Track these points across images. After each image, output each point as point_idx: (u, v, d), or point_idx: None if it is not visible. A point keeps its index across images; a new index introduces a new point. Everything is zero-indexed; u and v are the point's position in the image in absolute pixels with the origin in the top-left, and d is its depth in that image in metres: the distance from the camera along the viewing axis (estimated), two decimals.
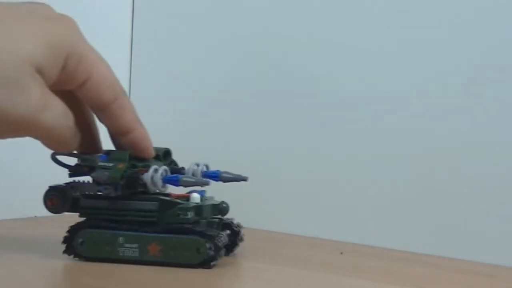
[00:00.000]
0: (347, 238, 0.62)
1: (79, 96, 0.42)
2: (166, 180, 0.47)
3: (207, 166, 0.51)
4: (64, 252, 0.47)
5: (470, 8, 0.57)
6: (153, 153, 0.47)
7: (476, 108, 0.57)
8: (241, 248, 0.53)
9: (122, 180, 0.46)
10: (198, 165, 0.51)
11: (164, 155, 0.51)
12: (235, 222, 0.52)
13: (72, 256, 0.47)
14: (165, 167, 0.48)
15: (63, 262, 0.47)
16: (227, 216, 0.51)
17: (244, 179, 0.51)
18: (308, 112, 0.66)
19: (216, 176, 0.51)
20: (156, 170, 0.47)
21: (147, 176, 0.46)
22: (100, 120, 0.45)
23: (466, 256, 0.55)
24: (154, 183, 0.47)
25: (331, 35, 0.65)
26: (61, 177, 0.49)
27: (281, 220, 0.67)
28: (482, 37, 0.57)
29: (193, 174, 0.50)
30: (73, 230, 0.47)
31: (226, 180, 0.51)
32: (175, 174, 0.49)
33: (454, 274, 0.51)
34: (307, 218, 0.65)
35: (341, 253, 0.56)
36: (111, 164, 0.46)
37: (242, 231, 0.53)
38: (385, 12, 0.62)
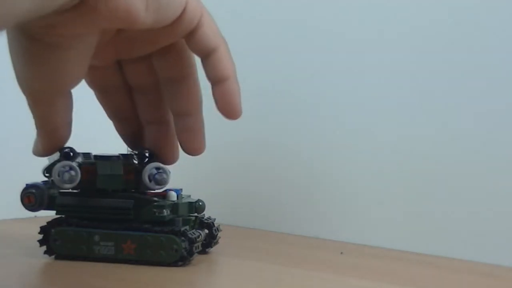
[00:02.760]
0: (347, 238, 0.62)
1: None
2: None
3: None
4: (45, 253, 0.48)
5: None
6: (239, 114, 0.44)
7: (475, 108, 0.57)
8: (239, 247, 0.53)
9: (44, 174, 0.46)
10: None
11: (137, 156, 0.50)
12: (215, 222, 0.52)
13: (53, 257, 0.48)
14: (68, 162, 0.46)
15: (59, 262, 0.47)
16: (207, 215, 0.52)
17: None
18: (308, 111, 0.66)
19: None
20: (58, 165, 0.46)
21: (53, 171, 0.46)
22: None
23: (466, 256, 0.55)
24: (55, 177, 0.46)
25: (332, 35, 0.65)
26: None
27: (281, 220, 0.67)
28: (480, 36, 0.57)
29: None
30: (48, 229, 0.48)
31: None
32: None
33: (454, 274, 0.51)
34: (307, 218, 0.65)
35: (341, 253, 0.56)
36: (50, 160, 0.47)
37: (219, 233, 0.53)
38: (385, 12, 0.62)
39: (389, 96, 0.61)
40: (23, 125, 0.69)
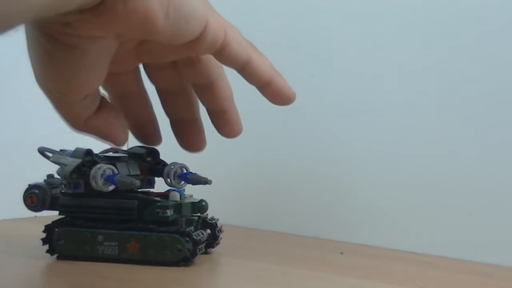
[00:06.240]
0: (347, 238, 0.62)
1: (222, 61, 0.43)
2: (106, 178, 0.46)
3: (182, 168, 0.50)
4: (47, 252, 0.48)
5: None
6: (293, 95, 0.45)
7: (475, 108, 0.57)
8: (240, 247, 0.53)
9: (71, 177, 0.46)
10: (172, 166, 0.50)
11: (149, 155, 0.50)
12: (218, 223, 0.52)
13: (55, 256, 0.48)
14: (109, 165, 0.46)
15: (61, 262, 0.47)
16: (210, 215, 0.52)
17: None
18: (307, 111, 0.66)
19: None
20: (99, 168, 0.46)
21: (91, 174, 0.46)
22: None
23: (466, 256, 0.55)
24: (95, 180, 0.46)
25: (333, 35, 0.65)
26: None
27: (281, 220, 0.67)
28: (481, 36, 0.57)
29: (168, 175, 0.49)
30: (52, 228, 0.47)
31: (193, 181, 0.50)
32: (156, 174, 0.49)
33: (453, 274, 0.51)
34: (307, 218, 0.65)
35: (341, 253, 0.56)
36: (68, 161, 0.46)
37: (221, 234, 0.53)
38: (387, 13, 0.62)
39: (387, 96, 0.61)
40: (24, 126, 0.69)
